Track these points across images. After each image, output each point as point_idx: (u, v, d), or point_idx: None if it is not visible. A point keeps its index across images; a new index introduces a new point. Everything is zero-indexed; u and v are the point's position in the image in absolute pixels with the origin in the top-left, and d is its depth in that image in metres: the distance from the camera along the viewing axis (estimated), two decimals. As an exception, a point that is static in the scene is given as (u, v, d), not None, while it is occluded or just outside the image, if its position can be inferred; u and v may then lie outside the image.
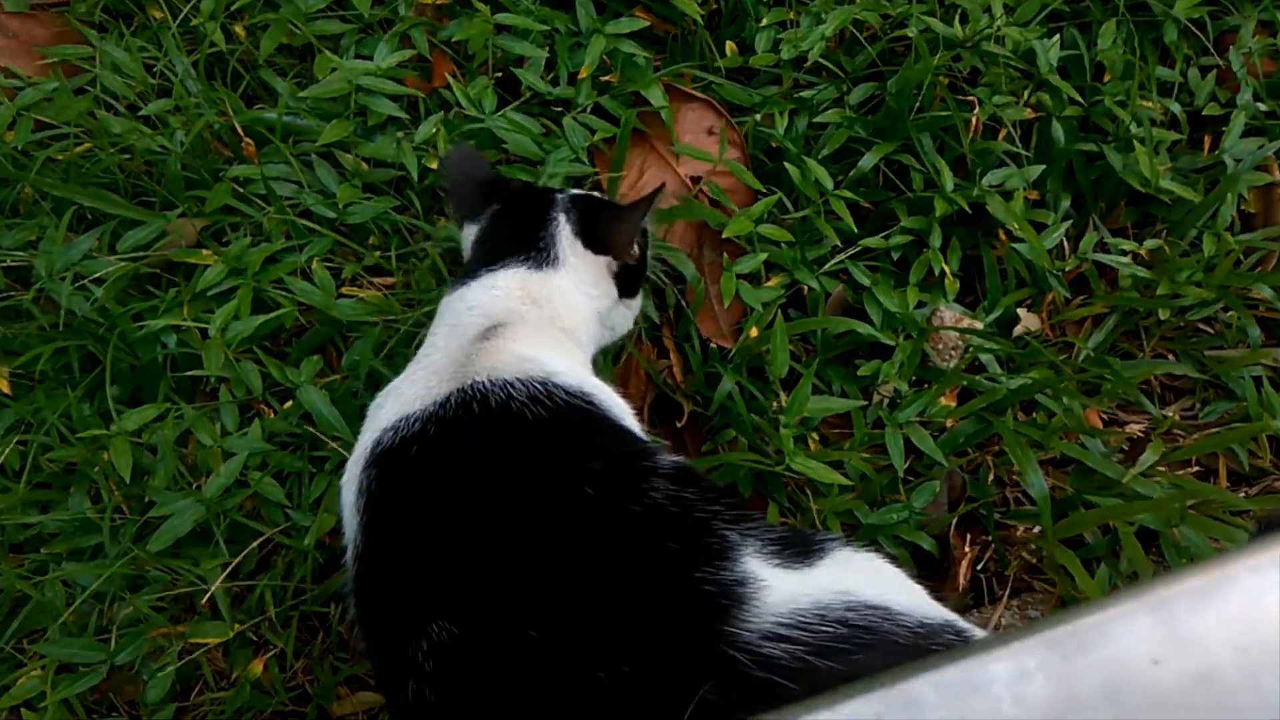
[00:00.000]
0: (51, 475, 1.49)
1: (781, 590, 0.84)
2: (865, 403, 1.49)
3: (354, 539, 1.02)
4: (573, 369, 1.15)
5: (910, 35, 1.66)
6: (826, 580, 0.86)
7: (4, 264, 1.59)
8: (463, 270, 1.31)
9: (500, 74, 1.71)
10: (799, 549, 0.90)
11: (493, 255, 1.29)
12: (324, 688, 1.40)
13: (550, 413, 1.04)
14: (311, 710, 1.39)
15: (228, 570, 1.36)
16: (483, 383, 1.06)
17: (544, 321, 1.23)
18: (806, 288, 1.57)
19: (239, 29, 1.73)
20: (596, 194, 1.42)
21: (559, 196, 1.35)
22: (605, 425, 1.10)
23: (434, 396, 1.06)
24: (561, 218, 1.31)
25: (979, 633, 0.85)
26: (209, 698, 1.40)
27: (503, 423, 1.03)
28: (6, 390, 1.52)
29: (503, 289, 1.24)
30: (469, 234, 1.37)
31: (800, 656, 0.76)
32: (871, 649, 0.79)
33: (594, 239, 1.30)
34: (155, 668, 1.38)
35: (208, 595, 1.35)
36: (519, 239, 1.29)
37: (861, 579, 0.86)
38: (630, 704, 0.78)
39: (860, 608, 0.81)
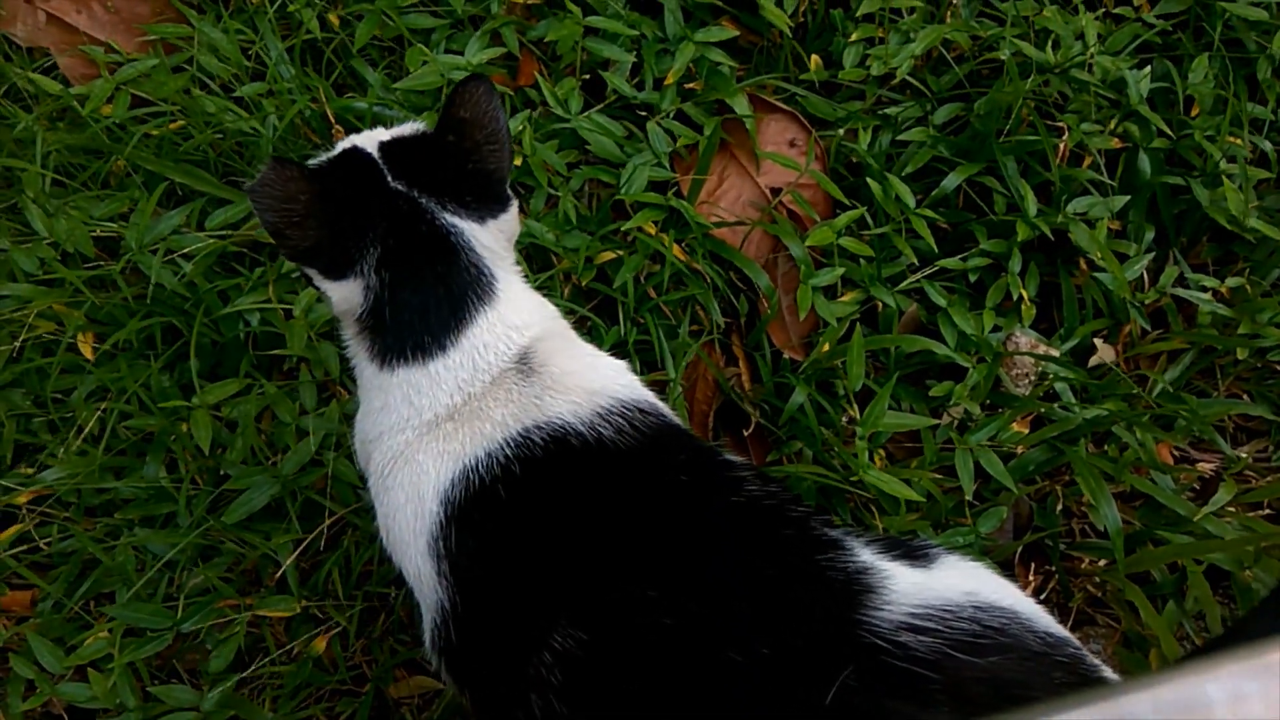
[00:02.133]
0: (127, 443, 1.53)
1: (907, 583, 0.84)
2: (936, 422, 1.49)
3: (440, 600, 0.99)
4: (611, 370, 1.13)
5: (1001, 58, 1.65)
6: (950, 580, 0.86)
7: (94, 234, 1.63)
8: (384, 346, 1.05)
9: (587, 76, 1.73)
10: (904, 550, 0.90)
11: (429, 327, 1.04)
12: (382, 669, 1.42)
13: (631, 425, 1.04)
14: (369, 691, 1.40)
15: (302, 547, 1.38)
16: (557, 416, 1.02)
17: (533, 334, 1.10)
18: (881, 304, 1.57)
19: (333, 17, 1.77)
20: (410, 131, 1.11)
21: (398, 189, 1.04)
22: (680, 430, 1.12)
23: (497, 441, 1.01)
24: (452, 221, 1.04)
25: (1090, 655, 0.85)
26: (269, 671, 1.42)
27: (587, 446, 1.01)
28: (89, 356, 1.56)
29: (479, 350, 1.05)
30: (347, 294, 1.05)
31: (939, 649, 0.77)
32: (1006, 651, 0.79)
33: (482, 205, 1.07)
34: (220, 637, 1.40)
35: (281, 570, 1.38)
36: (444, 295, 1.04)
37: (984, 584, 0.87)
38: (770, 686, 0.79)
39: (990, 609, 0.82)
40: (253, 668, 1.43)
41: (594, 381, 1.08)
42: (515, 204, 1.11)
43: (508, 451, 1.00)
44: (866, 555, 0.88)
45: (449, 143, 1.06)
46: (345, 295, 1.04)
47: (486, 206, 1.07)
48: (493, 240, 1.08)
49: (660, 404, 1.12)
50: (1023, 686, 0.78)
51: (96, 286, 1.61)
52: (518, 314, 1.08)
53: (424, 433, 1.04)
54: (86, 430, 1.50)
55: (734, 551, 0.91)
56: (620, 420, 1.04)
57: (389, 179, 1.04)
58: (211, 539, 1.43)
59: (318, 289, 1.08)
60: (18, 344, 1.55)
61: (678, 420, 1.13)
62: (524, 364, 1.07)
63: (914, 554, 0.90)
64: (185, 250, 1.57)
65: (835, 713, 0.75)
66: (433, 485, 1.01)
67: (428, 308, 1.03)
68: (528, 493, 0.99)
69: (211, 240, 1.57)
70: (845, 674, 0.76)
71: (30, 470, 1.52)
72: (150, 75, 1.72)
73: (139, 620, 1.41)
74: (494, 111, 1.06)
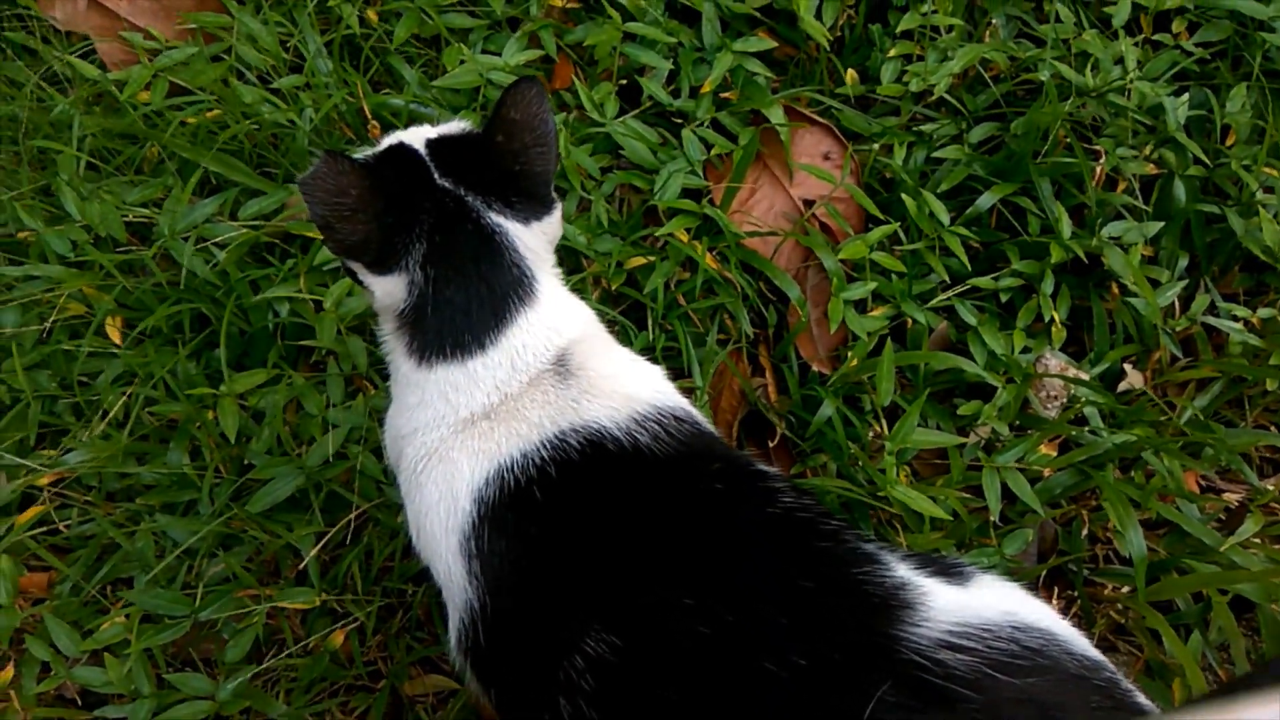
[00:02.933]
0: (151, 429, 1.53)
1: (945, 600, 0.84)
2: (963, 441, 1.48)
3: (469, 600, 0.99)
4: (648, 376, 1.13)
5: (1040, 79, 1.65)
6: (988, 599, 0.85)
7: (126, 219, 1.63)
8: (423, 343, 1.05)
9: (624, 81, 1.73)
10: (939, 567, 0.89)
11: (470, 326, 1.04)
12: (399, 666, 1.41)
13: (667, 432, 1.04)
14: (385, 687, 1.40)
15: (323, 540, 1.38)
16: (594, 420, 1.02)
17: (571, 336, 1.10)
18: (910, 321, 1.57)
19: (372, 14, 1.77)
20: (456, 129, 1.11)
21: (445, 187, 1.04)
22: (714, 438, 1.11)
23: (533, 443, 1.01)
24: (497, 221, 1.04)
25: (1124, 680, 0.84)
26: (284, 663, 1.41)
27: (624, 451, 1.01)
28: (117, 341, 1.56)
29: (518, 351, 1.05)
30: (390, 289, 1.05)
31: (977, 668, 0.77)
32: (1045, 673, 0.79)
33: (527, 207, 1.08)
34: (238, 627, 1.40)
35: (303, 563, 1.37)
36: (487, 294, 1.04)
37: (1021, 604, 0.86)
38: (806, 698, 0.79)
39: (1028, 630, 0.81)
40: (268, 659, 1.43)
41: (631, 387, 1.08)
42: (559, 207, 1.11)
43: (544, 453, 1.00)
44: (903, 570, 0.88)
45: (497, 143, 1.05)
46: (388, 290, 1.04)
47: (531, 208, 1.08)
48: (535, 242, 1.08)
49: (695, 411, 1.11)
50: (1061, 709, 0.78)
51: (126, 271, 1.61)
52: (557, 316, 1.08)
53: (459, 430, 1.04)
54: (111, 415, 1.50)
55: (770, 561, 0.90)
56: (656, 427, 1.03)
57: (436, 176, 1.04)
58: (233, 528, 1.43)
59: (359, 283, 1.08)
60: (47, 325, 1.55)
61: (712, 428, 1.13)
62: (562, 366, 1.07)
63: (949, 571, 0.90)
64: (218, 239, 1.57)
65: None
66: (466, 483, 1.01)
67: (470, 306, 1.03)
68: (562, 495, 0.98)
69: (244, 230, 1.57)
70: (882, 689, 0.75)
71: (53, 452, 1.52)
72: (189, 64, 1.72)
73: (157, 607, 1.40)
74: (544, 114, 1.05)
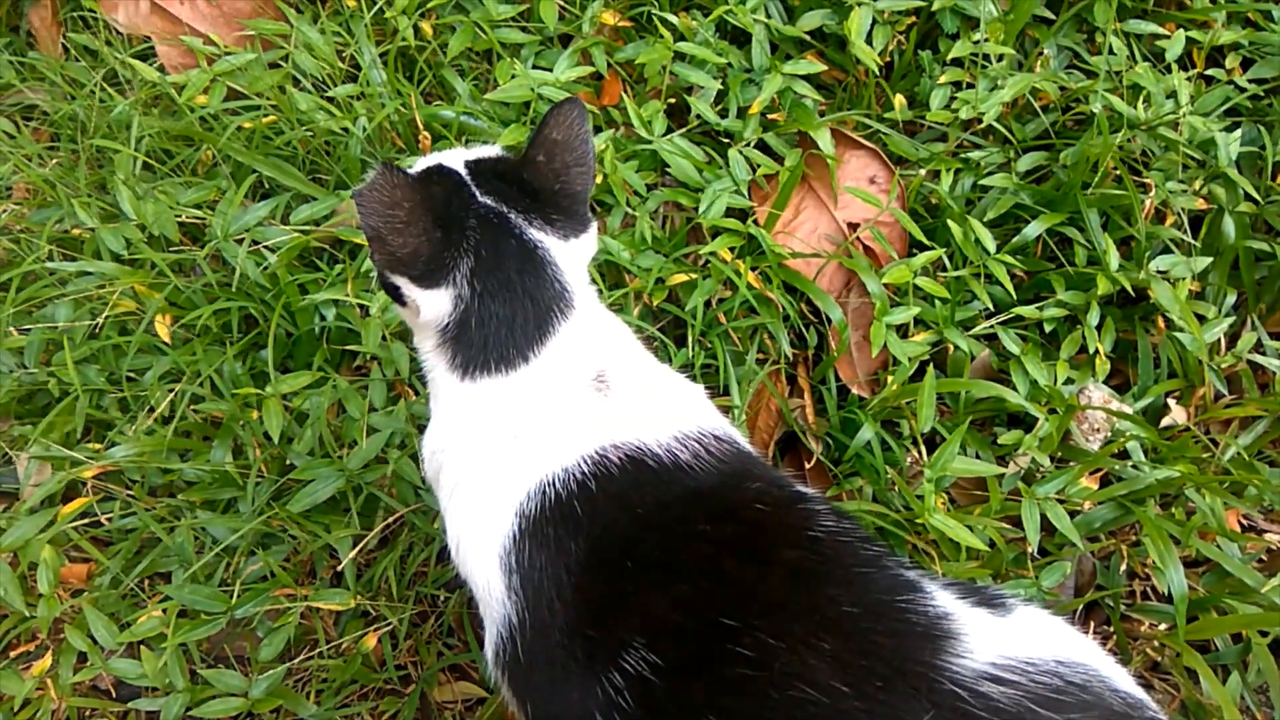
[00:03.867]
0: (195, 426, 1.55)
1: (987, 633, 0.83)
2: (1003, 471, 1.47)
3: (506, 615, 0.99)
4: (689, 394, 1.13)
5: (1091, 111, 1.65)
6: (1031, 632, 0.85)
7: (179, 219, 1.66)
8: (467, 357, 1.05)
9: (672, 100, 1.74)
10: (982, 598, 0.89)
11: (514, 340, 1.04)
12: (429, 671, 1.42)
13: (708, 451, 1.05)
14: (414, 693, 1.40)
15: (362, 544, 1.39)
16: (635, 437, 1.03)
17: (610, 352, 1.11)
18: (952, 347, 1.56)
19: (426, 27, 1.80)
20: (490, 153, 1.12)
21: (488, 204, 1.04)
22: (754, 458, 1.11)
23: (574, 459, 1.02)
24: (538, 237, 1.05)
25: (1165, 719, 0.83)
26: (316, 664, 1.42)
27: (664, 468, 1.02)
28: (165, 338, 1.59)
29: (560, 365, 1.06)
30: (436, 304, 1.04)
31: (1020, 702, 0.76)
32: (1088, 709, 0.78)
33: (566, 224, 1.08)
34: (273, 626, 1.41)
35: (341, 565, 1.38)
36: (531, 309, 1.04)
37: (1065, 638, 0.85)
38: None
39: (1072, 664, 0.81)
40: (299, 659, 1.44)
41: (672, 404, 1.08)
42: (595, 225, 1.12)
43: (585, 468, 1.00)
44: (945, 600, 0.87)
45: (539, 162, 1.07)
46: (434, 304, 1.04)
47: (570, 226, 1.08)
48: (574, 259, 1.09)
49: (735, 431, 1.11)
50: None
51: (177, 271, 1.64)
52: (596, 331, 1.09)
53: (502, 445, 1.04)
54: (158, 411, 1.53)
55: (812, 585, 0.90)
56: (697, 445, 1.04)
57: (478, 194, 1.05)
58: (272, 527, 1.45)
59: (399, 299, 1.08)
60: (99, 321, 1.59)
61: (750, 448, 1.13)
62: (602, 381, 1.07)
63: (991, 602, 0.89)
64: (269, 242, 1.60)
65: None
66: (508, 498, 1.01)
67: (515, 319, 1.03)
68: (604, 511, 0.99)
69: (295, 234, 1.59)
70: (925, 717, 0.75)
71: (99, 446, 1.55)
72: (246, 70, 1.76)
73: (194, 602, 1.42)
74: (585, 135, 1.07)
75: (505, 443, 1.04)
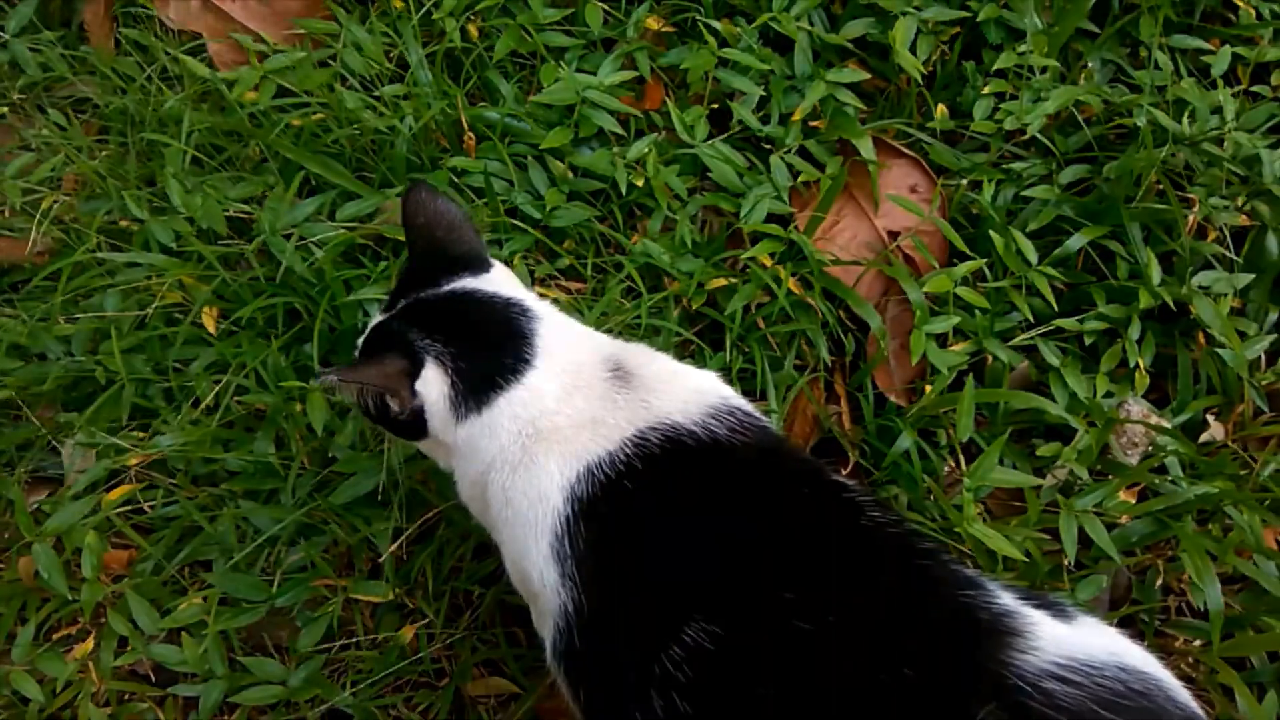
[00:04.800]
0: (238, 417, 1.57)
1: (1052, 633, 0.84)
2: (1041, 482, 1.47)
3: (563, 604, 1.01)
4: (706, 374, 1.19)
5: (1136, 124, 1.65)
6: (1094, 639, 0.85)
7: (227, 213, 1.69)
8: (472, 391, 1.12)
9: (715, 105, 1.75)
10: (1043, 603, 0.89)
11: (504, 349, 1.13)
12: (463, 665, 1.43)
13: (742, 426, 1.08)
14: (449, 686, 1.42)
15: (403, 537, 1.40)
16: (667, 416, 1.07)
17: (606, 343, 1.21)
18: (991, 358, 1.56)
19: (473, 28, 1.82)
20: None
21: (413, 303, 1.17)
22: (783, 438, 1.14)
23: (615, 443, 1.06)
24: (464, 284, 1.17)
25: None
26: (353, 655, 1.44)
27: (703, 444, 1.05)
28: (212, 330, 1.61)
29: (559, 355, 1.14)
30: (434, 385, 1.13)
31: (1083, 703, 0.77)
32: (1148, 716, 0.78)
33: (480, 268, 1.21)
34: (312, 616, 1.43)
35: (380, 557, 1.40)
36: (494, 323, 1.15)
37: (1127, 648, 0.86)
38: (909, 709, 0.79)
39: (1133, 673, 0.81)
40: (336, 650, 1.46)
41: (695, 381, 1.13)
42: (498, 266, 1.22)
43: (628, 450, 1.04)
44: (1008, 599, 0.88)
45: (425, 249, 1.19)
46: (433, 387, 1.11)
47: (482, 269, 1.20)
48: (505, 281, 1.20)
49: (757, 411, 1.15)
50: None
51: (224, 264, 1.66)
52: (577, 329, 1.18)
53: (539, 439, 1.07)
54: (204, 403, 1.55)
55: (871, 569, 0.92)
56: (730, 419, 1.08)
57: (399, 314, 1.16)
58: (313, 519, 1.47)
59: (415, 416, 1.14)
60: (147, 311, 1.61)
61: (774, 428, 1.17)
62: (619, 372, 1.12)
63: (1052, 607, 0.89)
64: (315, 238, 1.62)
65: None
66: (557, 482, 1.04)
67: (493, 338, 1.12)
68: (653, 489, 1.01)
69: (341, 231, 1.62)
70: (987, 710, 0.76)
71: (143, 435, 1.58)
72: (295, 68, 1.78)
73: (235, 590, 1.44)
74: (442, 207, 1.19)
75: (543, 437, 1.07)
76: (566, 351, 1.13)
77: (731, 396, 1.13)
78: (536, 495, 1.05)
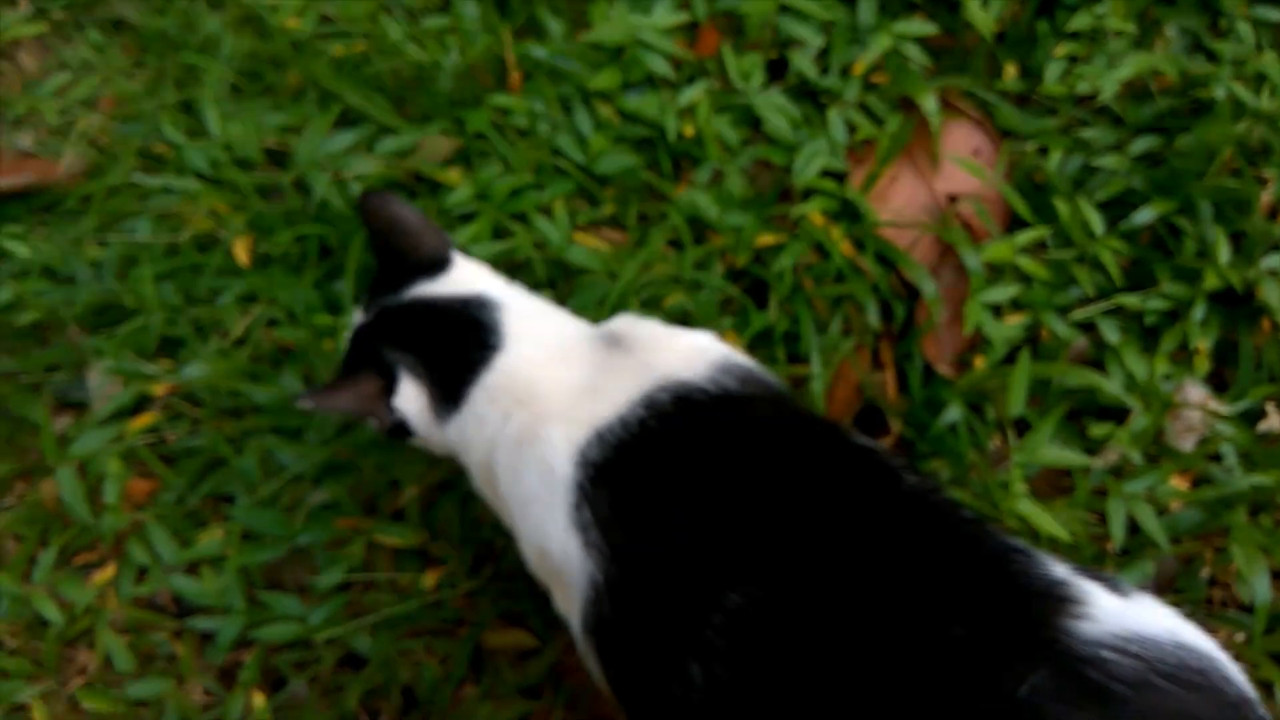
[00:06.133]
0: (266, 351, 1.54)
1: (1108, 605, 0.80)
2: (1091, 463, 1.42)
3: (590, 574, 0.98)
4: (701, 333, 1.17)
5: (1213, 97, 1.56)
6: (1151, 614, 0.81)
7: (264, 142, 1.65)
8: (453, 379, 1.13)
9: (771, 54, 1.68)
10: (1096, 577, 0.85)
11: (475, 334, 1.14)
12: (483, 616, 1.41)
13: (751, 378, 1.07)
14: (469, 636, 1.39)
15: (425, 481, 1.37)
16: (673, 373, 1.05)
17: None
18: (1047, 332, 1.50)
19: (523, -38, 1.75)
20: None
21: (376, 319, 1.19)
22: (791, 397, 1.14)
23: (622, 405, 1.03)
24: (419, 289, 1.18)
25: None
26: (373, 598, 1.42)
27: (714, 398, 1.03)
28: (244, 261, 1.58)
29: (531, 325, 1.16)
30: (411, 395, 1.15)
31: (1139, 674, 0.73)
32: (1206, 693, 0.74)
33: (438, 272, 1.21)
34: (333, 556, 1.41)
35: (402, 501, 1.37)
36: (454, 313, 1.16)
37: (1184, 626, 0.81)
38: (957, 665, 0.76)
39: (1191, 650, 0.77)
40: (352, 593, 1.43)
41: (693, 340, 1.11)
42: (459, 261, 1.21)
43: (639, 412, 1.01)
44: (1061, 569, 0.84)
45: (387, 253, 1.19)
46: (413, 400, 1.13)
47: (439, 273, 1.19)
48: (462, 279, 1.19)
49: (764, 369, 1.13)
50: None
51: (258, 193, 1.62)
52: (538, 306, 1.19)
53: (533, 413, 1.06)
54: (233, 335, 1.52)
55: (917, 528, 0.88)
56: (738, 371, 1.06)
57: (372, 325, 1.17)
58: (339, 458, 1.44)
59: (401, 420, 1.15)
60: (181, 238, 1.58)
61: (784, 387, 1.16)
62: (609, 338, 1.11)
63: (1105, 582, 0.85)
64: (352, 172, 1.58)
65: (1026, 711, 0.72)
66: (564, 451, 1.01)
67: (457, 326, 1.13)
68: (672, 448, 0.99)
69: (380, 165, 1.57)
70: (1040, 672, 0.72)
71: (170, 363, 1.55)
72: (339, -4, 1.73)
73: (258, 526, 1.42)
74: (397, 212, 1.19)
75: (535, 415, 1.06)
76: (537, 330, 1.13)
77: (734, 353, 1.11)
78: (546, 466, 1.02)
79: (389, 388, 1.12)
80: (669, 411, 1.00)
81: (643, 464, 0.99)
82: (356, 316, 1.21)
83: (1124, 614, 0.79)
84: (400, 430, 1.17)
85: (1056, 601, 0.79)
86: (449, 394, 1.12)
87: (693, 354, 1.07)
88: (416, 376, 1.12)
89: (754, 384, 1.07)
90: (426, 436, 1.16)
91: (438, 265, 1.18)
